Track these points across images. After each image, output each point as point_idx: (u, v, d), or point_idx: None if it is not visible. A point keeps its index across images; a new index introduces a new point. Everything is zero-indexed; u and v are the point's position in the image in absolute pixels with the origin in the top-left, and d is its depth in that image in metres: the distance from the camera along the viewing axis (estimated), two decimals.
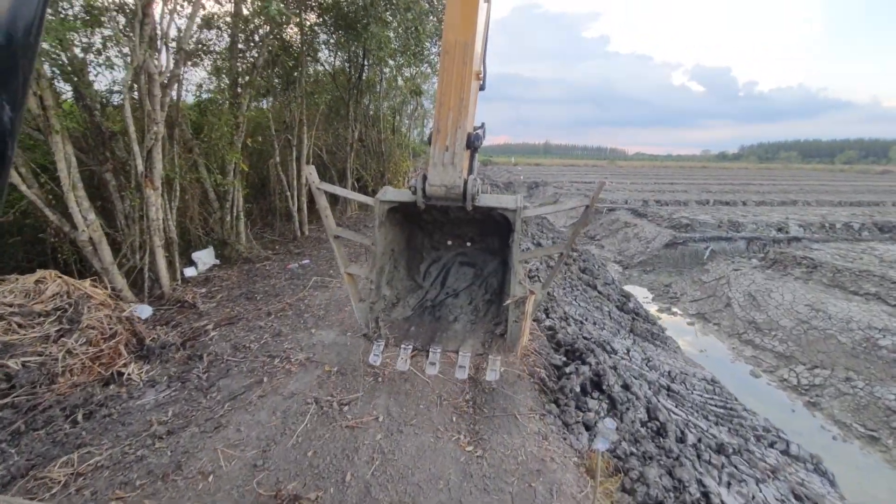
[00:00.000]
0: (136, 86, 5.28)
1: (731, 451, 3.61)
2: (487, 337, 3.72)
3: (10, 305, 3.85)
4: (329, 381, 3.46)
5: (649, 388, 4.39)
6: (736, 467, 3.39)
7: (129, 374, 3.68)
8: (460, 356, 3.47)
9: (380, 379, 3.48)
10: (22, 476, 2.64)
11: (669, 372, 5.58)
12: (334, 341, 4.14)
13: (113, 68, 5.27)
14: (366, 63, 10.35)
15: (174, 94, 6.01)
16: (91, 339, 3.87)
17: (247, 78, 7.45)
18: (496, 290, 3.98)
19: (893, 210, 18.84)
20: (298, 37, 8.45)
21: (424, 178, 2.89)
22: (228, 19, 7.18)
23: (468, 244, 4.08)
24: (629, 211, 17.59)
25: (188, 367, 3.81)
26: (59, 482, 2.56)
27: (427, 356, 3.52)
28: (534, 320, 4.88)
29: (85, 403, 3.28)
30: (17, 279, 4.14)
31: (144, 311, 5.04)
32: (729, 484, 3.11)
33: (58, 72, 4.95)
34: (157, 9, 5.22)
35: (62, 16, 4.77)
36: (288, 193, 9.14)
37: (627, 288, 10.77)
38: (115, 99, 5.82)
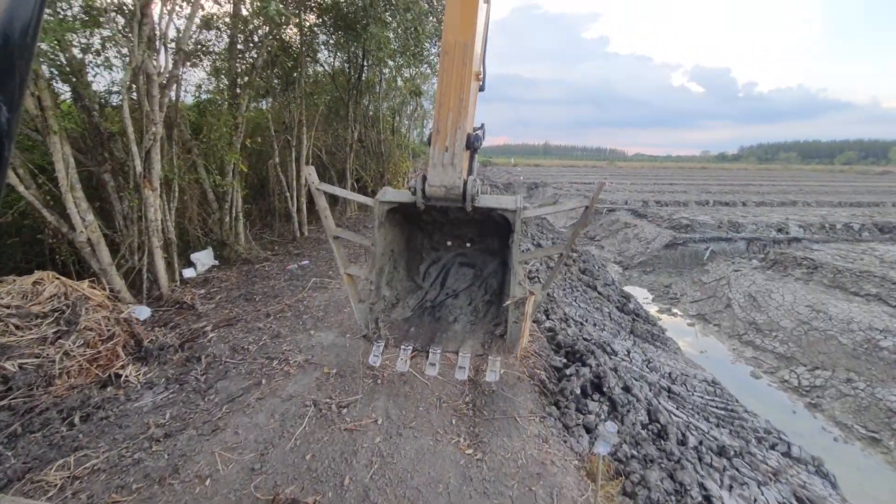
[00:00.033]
0: (134, 86, 5.26)
1: (732, 453, 3.59)
2: (487, 338, 3.70)
3: (8, 307, 3.83)
4: (328, 383, 3.44)
5: (650, 390, 4.37)
6: (738, 470, 3.37)
7: (126, 376, 3.65)
8: (460, 357, 3.45)
9: (379, 381, 3.46)
10: (18, 479, 2.62)
11: (670, 373, 5.56)
12: (333, 343, 4.12)
13: (111, 69, 5.26)
14: (365, 64, 10.34)
15: (173, 94, 5.99)
16: (89, 341, 3.85)
17: (246, 78, 7.44)
18: (496, 291, 3.97)
19: (893, 211, 18.83)
20: (298, 37, 8.44)
21: (424, 178, 2.88)
22: (227, 20, 7.16)
23: (468, 245, 4.07)
24: (629, 211, 17.58)
25: (186, 369, 3.78)
26: (56, 485, 2.54)
27: (427, 357, 3.51)
28: (534, 321, 4.86)
29: (82, 406, 3.25)
30: (14, 280, 4.12)
31: (143, 312, 5.02)
32: (731, 487, 3.09)
33: (56, 72, 4.93)
34: (155, 9, 5.21)
35: (61, 16, 4.76)
36: (287, 194, 9.12)
37: (627, 289, 10.75)
38: (114, 99, 5.80)
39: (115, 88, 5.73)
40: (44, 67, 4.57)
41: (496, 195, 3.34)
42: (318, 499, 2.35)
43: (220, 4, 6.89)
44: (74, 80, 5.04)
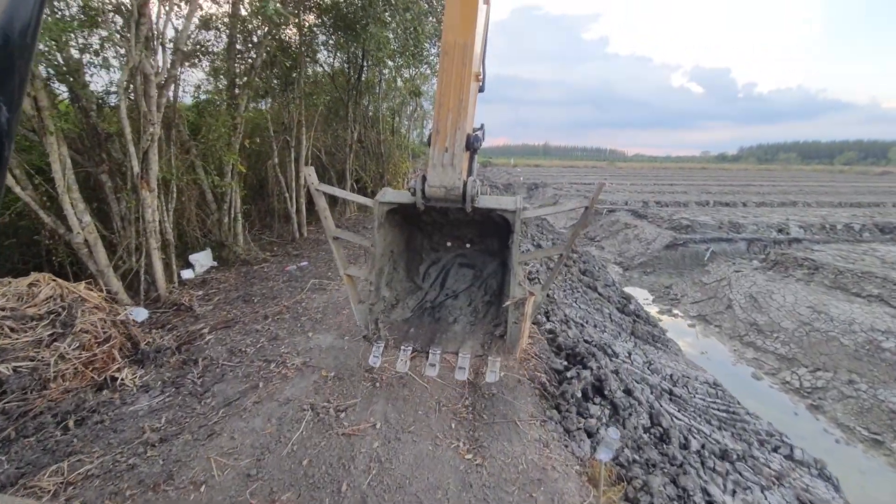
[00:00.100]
0: (132, 87, 5.23)
1: (735, 457, 3.55)
2: (487, 338, 3.68)
3: (3, 309, 3.78)
4: (326, 386, 3.40)
5: (651, 393, 4.33)
6: (740, 474, 3.33)
7: (122, 380, 3.61)
8: (460, 357, 3.43)
9: (378, 384, 3.42)
10: (12, 485, 2.58)
11: (671, 375, 5.52)
12: (332, 345, 4.08)
13: (109, 69, 5.23)
14: (365, 64, 10.31)
15: (171, 94, 5.96)
16: (84, 344, 3.80)
17: (244, 79, 7.40)
18: (496, 292, 3.95)
19: (894, 211, 18.81)
20: (297, 38, 8.41)
21: (424, 179, 2.87)
22: (226, 20, 7.13)
23: (467, 245, 4.05)
24: (629, 212, 17.55)
25: (183, 372, 3.74)
26: (49, 491, 2.50)
27: (427, 357, 3.48)
28: (534, 323, 4.83)
29: (77, 410, 3.22)
30: (9, 282, 4.08)
31: (140, 314, 4.98)
32: (734, 492, 3.05)
33: (53, 73, 4.90)
34: (153, 9, 5.17)
35: (58, 16, 4.73)
36: (286, 195, 9.09)
37: (628, 289, 10.71)
38: (113, 100, 5.77)
39: (112, 89, 5.70)
40: (40, 67, 4.53)
41: (496, 196, 3.32)
42: None
43: (218, 4, 6.87)
44: (71, 80, 5.01)
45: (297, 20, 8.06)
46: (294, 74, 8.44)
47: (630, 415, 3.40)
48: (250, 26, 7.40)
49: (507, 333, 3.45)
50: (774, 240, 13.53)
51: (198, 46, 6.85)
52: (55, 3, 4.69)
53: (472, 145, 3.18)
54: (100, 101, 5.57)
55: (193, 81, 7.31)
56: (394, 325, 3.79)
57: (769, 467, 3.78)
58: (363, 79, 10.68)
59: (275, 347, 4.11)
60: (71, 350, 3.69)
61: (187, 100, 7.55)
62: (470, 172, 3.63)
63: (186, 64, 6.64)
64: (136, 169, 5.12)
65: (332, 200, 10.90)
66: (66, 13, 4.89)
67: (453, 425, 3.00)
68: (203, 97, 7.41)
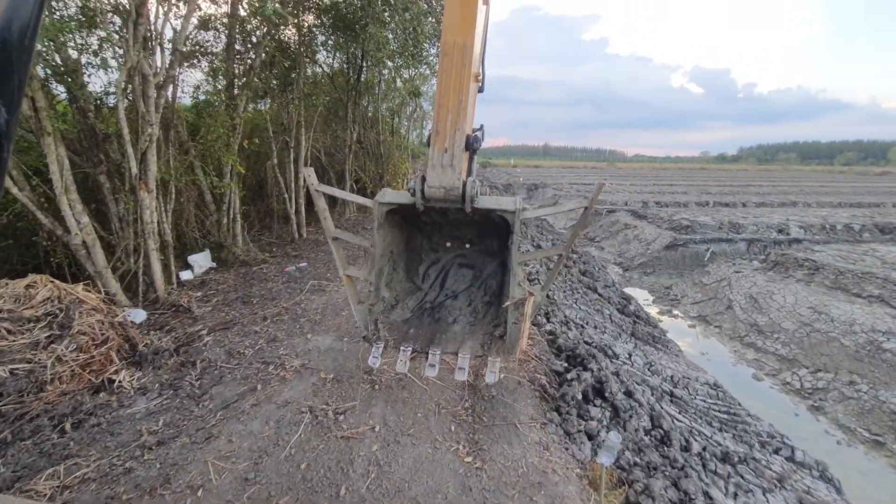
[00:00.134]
0: (130, 87, 5.21)
1: (736, 459, 3.53)
2: (487, 339, 3.67)
3: (0, 311, 3.77)
4: (324, 388, 3.38)
5: (652, 395, 4.31)
6: (742, 477, 3.31)
7: (119, 382, 3.59)
8: (459, 358, 3.42)
9: (377, 386, 3.40)
10: (8, 488, 2.56)
11: (672, 377, 5.50)
12: (330, 347, 4.06)
13: (108, 70, 5.21)
14: (364, 64, 10.29)
15: (169, 95, 5.94)
16: (82, 346, 3.78)
17: (243, 79, 7.39)
18: (495, 292, 3.94)
19: (894, 211, 18.80)
20: (296, 38, 8.39)
21: (423, 179, 2.87)
22: (225, 20, 7.12)
23: (467, 246, 4.05)
24: (629, 212, 17.54)
25: (181, 374, 3.72)
26: (45, 495, 2.48)
27: (426, 358, 3.47)
28: (534, 324, 4.81)
29: (74, 412, 3.19)
30: (6, 284, 4.06)
31: (138, 315, 4.96)
32: (735, 495, 3.03)
33: (50, 73, 4.88)
34: (151, 9, 5.16)
35: (57, 17, 4.71)
36: (286, 196, 9.07)
37: (628, 290, 10.69)
38: (111, 100, 5.75)
39: (111, 89, 5.68)
40: (38, 68, 4.51)
41: (495, 196, 3.31)
42: None
43: (217, 5, 6.85)
44: (69, 80, 4.99)
45: (296, 20, 8.04)
46: (293, 75, 8.43)
47: (631, 417, 3.38)
48: (249, 27, 7.39)
49: (507, 334, 3.44)
50: (774, 240, 13.52)
51: (196, 47, 6.83)
52: (53, 4, 4.67)
53: (471, 146, 3.18)
54: (98, 101, 5.55)
55: (192, 82, 7.31)
56: (393, 325, 3.78)
57: (771, 469, 3.76)
58: (362, 79, 10.66)
59: (273, 349, 4.09)
60: (68, 352, 3.67)
61: (186, 100, 7.54)
62: (469, 173, 3.62)
63: (185, 64, 6.62)
64: (135, 170, 5.10)
65: (332, 201, 10.88)
66: (65, 13, 4.87)
67: (453, 428, 2.98)
68: (202, 98, 7.39)
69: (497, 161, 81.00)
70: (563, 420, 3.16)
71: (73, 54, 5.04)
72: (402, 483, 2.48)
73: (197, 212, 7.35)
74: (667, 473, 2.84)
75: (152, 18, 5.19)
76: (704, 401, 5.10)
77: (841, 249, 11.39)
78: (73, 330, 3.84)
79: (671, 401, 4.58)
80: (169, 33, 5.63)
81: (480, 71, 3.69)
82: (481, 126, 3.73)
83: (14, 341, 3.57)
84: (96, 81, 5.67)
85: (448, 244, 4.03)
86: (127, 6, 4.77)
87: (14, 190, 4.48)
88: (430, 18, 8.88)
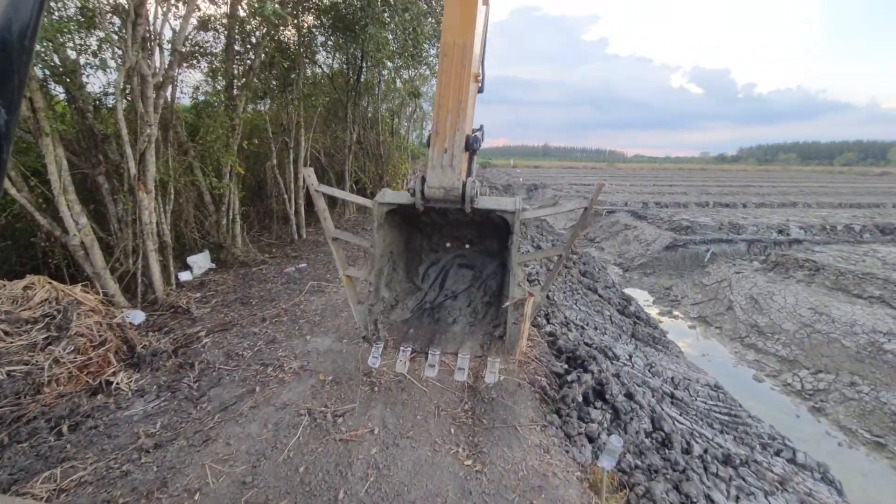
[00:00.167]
0: (129, 88, 5.20)
1: (738, 461, 3.51)
2: (486, 339, 3.67)
3: None
4: (323, 390, 3.36)
5: (652, 396, 4.29)
6: (744, 479, 3.29)
7: (117, 384, 3.57)
8: (459, 358, 3.41)
9: (376, 388, 3.38)
10: (4, 491, 2.54)
11: (672, 378, 5.48)
12: (329, 348, 4.04)
13: (106, 70, 5.19)
14: (364, 65, 10.28)
15: (168, 95, 5.92)
16: (79, 347, 3.76)
17: (243, 80, 7.37)
18: (495, 293, 3.94)
19: (894, 212, 18.79)
20: (296, 38, 8.38)
21: (423, 180, 2.87)
22: (225, 21, 7.11)
23: (467, 246, 4.04)
24: (629, 213, 17.52)
25: (179, 376, 3.70)
26: (42, 498, 2.46)
27: (426, 358, 3.46)
28: (534, 326, 4.79)
29: (71, 415, 3.17)
30: (4, 285, 4.04)
31: (137, 316, 4.94)
32: (738, 498, 3.00)
33: (49, 73, 4.86)
34: (150, 10, 5.14)
35: (55, 17, 4.70)
36: (285, 196, 9.05)
37: (628, 291, 10.67)
38: (110, 101, 5.73)
39: (110, 90, 5.66)
40: (37, 68, 4.50)
41: (495, 196, 3.31)
42: None
43: (216, 5, 6.83)
44: (68, 81, 4.97)
45: (295, 21, 8.03)
46: (293, 75, 8.41)
47: (632, 419, 3.36)
48: (248, 27, 7.37)
49: (507, 334, 3.44)
50: (775, 241, 13.50)
51: (196, 47, 6.82)
52: (52, 4, 4.65)
53: (471, 146, 3.17)
54: (97, 102, 5.53)
55: (192, 83, 7.30)
56: (393, 325, 3.78)
57: (772, 472, 3.74)
58: (362, 80, 10.65)
59: (272, 351, 4.07)
60: (66, 354, 3.65)
61: (186, 101, 7.52)
62: (469, 173, 3.61)
63: (184, 65, 6.61)
64: (133, 170, 5.08)
65: (332, 202, 10.86)
66: (64, 14, 4.86)
67: (452, 430, 2.96)
68: (201, 98, 7.38)
69: (497, 161, 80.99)
70: (563, 422, 3.14)
71: (72, 55, 5.03)
72: (401, 487, 2.45)
73: (196, 212, 7.33)
74: (668, 476, 2.82)
75: (151, 19, 5.18)
76: (705, 402, 5.08)
77: (841, 250, 11.37)
78: (70, 331, 3.82)
79: (672, 402, 4.55)
80: (168, 34, 5.63)
81: (480, 71, 3.68)
82: (481, 126, 3.73)
83: (11, 343, 3.55)
84: (95, 82, 5.64)
85: (448, 244, 4.03)
86: (126, 6, 4.75)
87: (12, 191, 4.46)
88: (429, 19, 8.87)
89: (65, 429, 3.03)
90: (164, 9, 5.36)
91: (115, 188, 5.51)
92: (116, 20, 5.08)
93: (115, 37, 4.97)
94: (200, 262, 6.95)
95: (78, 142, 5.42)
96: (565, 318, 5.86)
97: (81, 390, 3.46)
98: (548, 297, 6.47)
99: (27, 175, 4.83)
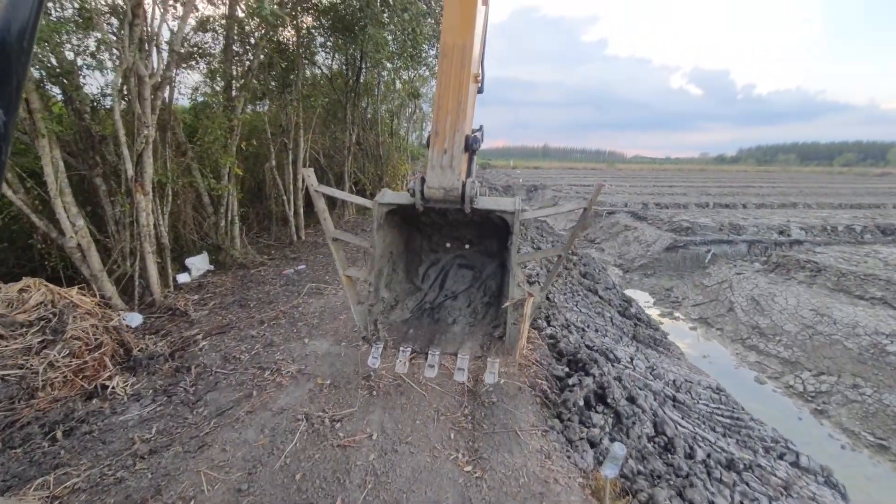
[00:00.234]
0: (126, 89, 5.16)
1: (741, 466, 3.47)
2: (486, 339, 3.64)
3: None
4: (321, 394, 3.32)
5: (654, 400, 4.24)
6: (748, 484, 3.24)
7: (113, 388, 3.53)
8: (459, 358, 3.39)
9: (374, 392, 3.34)
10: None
11: (674, 381, 5.44)
12: (328, 352, 4.00)
13: (103, 71, 5.16)
14: (363, 66, 10.26)
15: (166, 96, 5.89)
16: (75, 351, 3.72)
17: (242, 81, 7.34)
18: (495, 293, 3.92)
19: (895, 212, 18.76)
20: (294, 39, 8.36)
21: (423, 180, 2.86)
22: (223, 21, 7.08)
23: (466, 246, 4.02)
24: (629, 214, 17.49)
25: (175, 380, 3.66)
26: None
27: (426, 359, 3.43)
28: (535, 328, 4.75)
29: (65, 420, 3.13)
30: None
31: (134, 319, 4.90)
32: None
33: (45, 74, 4.83)
34: (148, 10, 5.11)
35: (53, 18, 4.66)
36: (284, 198, 9.02)
37: (628, 292, 10.63)
38: (107, 102, 5.70)
39: (108, 91, 5.63)
40: (33, 69, 4.47)
41: (495, 197, 3.29)
42: None
43: (214, 5, 6.80)
44: (65, 82, 4.94)
45: (294, 22, 8.00)
46: (292, 76, 8.38)
47: (634, 423, 3.32)
48: (247, 28, 7.35)
49: (506, 334, 3.41)
50: (775, 242, 13.47)
51: (194, 48, 6.79)
52: (50, 5, 4.62)
53: (470, 147, 3.15)
54: (94, 103, 5.50)
55: (190, 83, 7.27)
56: (393, 325, 3.75)
57: (776, 476, 3.70)
58: (361, 81, 10.63)
59: (270, 354, 4.02)
60: (61, 357, 3.61)
61: (184, 102, 7.49)
62: (469, 174, 3.59)
63: (183, 66, 6.58)
64: (131, 172, 5.04)
65: (331, 202, 10.82)
66: (62, 15, 4.83)
67: (452, 435, 2.92)
68: (200, 99, 7.34)
69: (496, 162, 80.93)
70: (564, 427, 3.10)
71: (69, 56, 4.99)
72: (399, 494, 2.41)
73: (194, 214, 7.30)
74: (671, 482, 2.78)
75: (149, 20, 5.14)
76: (707, 405, 5.03)
77: (843, 251, 11.34)
78: (66, 335, 3.78)
79: (674, 406, 4.51)
80: (166, 34, 5.60)
81: (480, 72, 3.66)
82: (480, 127, 3.71)
83: (6, 347, 3.51)
84: (92, 83, 5.60)
85: (447, 245, 4.01)
86: (123, 6, 4.72)
87: (9, 192, 4.43)
88: (429, 19, 8.85)
89: (59, 434, 2.99)
90: (162, 9, 5.33)
91: (112, 190, 5.47)
92: (114, 21, 5.05)
93: (113, 37, 4.93)
94: (199, 263, 6.91)
95: (75, 143, 5.38)
96: (566, 320, 5.82)
97: (76, 395, 3.42)
98: (548, 298, 6.43)
99: (24, 176, 4.80)
